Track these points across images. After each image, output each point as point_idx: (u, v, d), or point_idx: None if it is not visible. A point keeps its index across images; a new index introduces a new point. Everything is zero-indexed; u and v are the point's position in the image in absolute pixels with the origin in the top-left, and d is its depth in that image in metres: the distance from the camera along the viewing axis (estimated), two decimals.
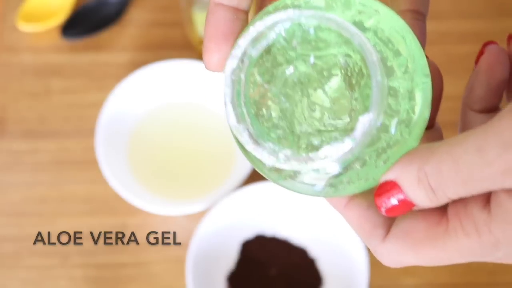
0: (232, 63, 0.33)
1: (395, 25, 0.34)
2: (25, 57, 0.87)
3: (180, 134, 0.81)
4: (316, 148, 0.34)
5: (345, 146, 0.32)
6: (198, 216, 0.76)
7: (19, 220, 0.79)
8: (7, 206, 0.80)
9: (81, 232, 0.79)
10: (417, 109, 0.33)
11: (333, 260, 0.75)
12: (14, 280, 0.77)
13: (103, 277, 0.77)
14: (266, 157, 0.33)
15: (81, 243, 0.78)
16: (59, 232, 0.79)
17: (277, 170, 0.35)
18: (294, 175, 0.34)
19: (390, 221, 0.35)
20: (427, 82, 0.34)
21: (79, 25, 0.88)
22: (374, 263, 0.74)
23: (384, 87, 0.32)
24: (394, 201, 0.32)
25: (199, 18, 0.82)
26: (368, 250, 0.73)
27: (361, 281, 0.71)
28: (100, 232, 0.79)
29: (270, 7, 0.35)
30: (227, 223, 0.75)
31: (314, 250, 0.76)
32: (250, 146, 0.33)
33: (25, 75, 0.86)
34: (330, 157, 0.32)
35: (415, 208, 0.32)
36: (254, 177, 0.76)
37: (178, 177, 0.79)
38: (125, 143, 0.80)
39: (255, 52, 0.34)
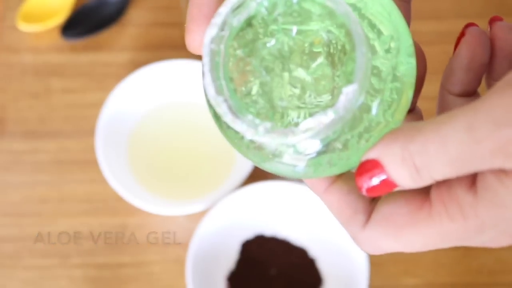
0: (211, 31, 0.32)
1: (380, 2, 0.33)
2: (25, 57, 0.87)
3: (180, 134, 0.81)
4: (296, 124, 0.33)
5: (327, 117, 0.30)
6: (198, 216, 0.76)
7: (19, 220, 0.79)
8: (7, 206, 0.80)
9: (81, 232, 0.79)
10: (400, 90, 0.33)
11: (333, 260, 0.75)
12: (14, 280, 0.77)
13: (103, 277, 0.77)
14: (245, 129, 0.31)
15: (81, 243, 0.78)
16: (59, 232, 0.79)
17: (258, 148, 0.33)
18: (274, 156, 0.33)
19: (371, 207, 0.33)
20: (412, 62, 0.33)
21: (79, 25, 0.88)
22: (374, 263, 0.74)
23: (368, 59, 0.31)
24: (375, 180, 0.31)
25: None
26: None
27: (361, 281, 0.71)
28: (100, 232, 0.79)
29: None
30: (227, 223, 0.75)
31: (314, 250, 0.76)
32: (228, 118, 0.31)
33: (25, 75, 0.86)
34: (312, 130, 0.30)
35: (397, 188, 0.31)
36: (254, 177, 0.76)
37: (178, 177, 0.79)
38: (125, 143, 0.80)
39: (236, 22, 0.32)
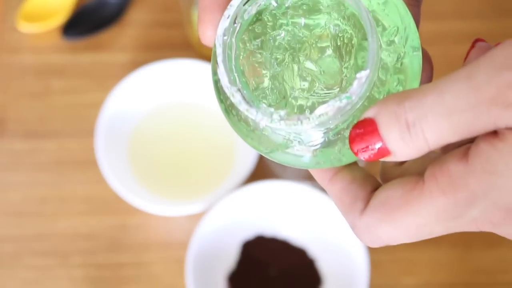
0: (224, 23, 0.32)
1: None
2: (26, 57, 0.87)
3: (180, 134, 0.81)
4: (310, 111, 0.33)
5: (341, 102, 0.30)
6: (198, 216, 0.76)
7: (19, 220, 0.79)
8: (7, 206, 0.80)
9: (81, 232, 0.79)
10: (405, 81, 0.33)
11: (333, 260, 0.75)
12: (14, 280, 0.77)
13: (103, 277, 0.77)
14: (260, 117, 0.31)
15: (81, 243, 0.78)
16: (59, 232, 0.79)
17: (267, 140, 0.34)
18: (282, 146, 0.34)
19: (371, 195, 0.33)
20: (418, 55, 0.33)
21: (80, 25, 0.88)
22: (374, 263, 0.74)
23: (379, 46, 0.31)
24: (369, 142, 0.29)
25: None
26: (369, 249, 0.73)
27: (361, 281, 0.71)
28: (100, 232, 0.79)
29: None
30: (227, 223, 0.75)
31: (314, 250, 0.76)
32: (243, 106, 0.31)
33: (25, 75, 0.86)
34: (326, 115, 0.30)
35: (391, 157, 0.30)
36: (254, 177, 0.76)
37: (178, 177, 0.79)
38: (125, 143, 0.80)
39: (247, 15, 0.33)
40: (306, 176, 0.78)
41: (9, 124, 0.84)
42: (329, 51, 0.34)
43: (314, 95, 0.34)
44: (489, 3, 0.89)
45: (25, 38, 0.88)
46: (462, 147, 0.30)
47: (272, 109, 0.31)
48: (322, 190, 0.75)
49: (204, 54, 0.85)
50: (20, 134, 0.83)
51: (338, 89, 0.33)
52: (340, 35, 0.34)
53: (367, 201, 0.32)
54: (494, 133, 0.28)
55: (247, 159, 0.76)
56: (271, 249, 0.76)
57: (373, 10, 0.33)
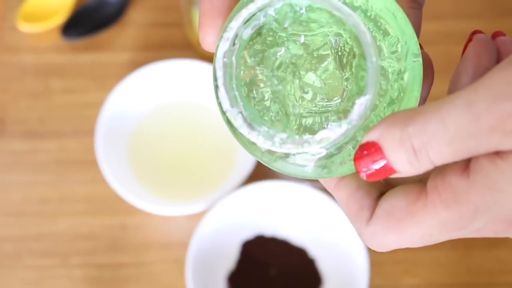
0: (224, 45, 0.33)
1: (385, 3, 0.33)
2: (25, 57, 0.87)
3: (180, 134, 0.81)
4: (310, 129, 0.34)
5: (342, 128, 0.31)
6: (198, 216, 0.76)
7: (19, 220, 0.79)
8: (7, 206, 0.80)
9: (81, 232, 0.79)
10: (407, 89, 0.33)
11: (333, 260, 0.75)
12: (14, 280, 0.77)
13: (103, 277, 0.77)
14: (261, 141, 0.32)
15: (81, 243, 0.78)
16: (59, 232, 0.79)
17: (270, 152, 0.34)
18: (285, 156, 0.34)
19: (376, 203, 0.33)
20: (418, 61, 0.33)
21: (79, 25, 0.88)
22: (374, 263, 0.74)
23: (378, 68, 0.32)
24: (374, 164, 0.30)
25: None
26: (369, 250, 0.73)
27: (361, 281, 0.71)
28: (100, 232, 0.79)
29: None
30: (227, 223, 0.75)
31: (314, 250, 0.76)
32: (244, 130, 0.32)
33: (25, 75, 0.86)
34: (327, 140, 0.31)
35: (396, 175, 0.31)
36: (254, 176, 0.76)
37: (178, 177, 0.79)
38: (125, 143, 0.80)
39: (246, 34, 0.33)
40: None
41: (9, 124, 0.84)
42: (330, 63, 0.34)
43: (315, 107, 0.34)
44: (489, 3, 0.89)
45: (25, 38, 0.88)
46: (463, 161, 0.30)
47: (272, 131, 0.32)
48: (322, 190, 0.75)
49: (204, 54, 0.85)
50: (20, 134, 0.83)
51: (340, 99, 0.34)
52: (340, 45, 0.34)
53: (373, 209, 0.33)
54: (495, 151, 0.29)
55: (247, 159, 0.76)
56: (271, 249, 0.76)
57: (377, 15, 0.34)
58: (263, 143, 0.32)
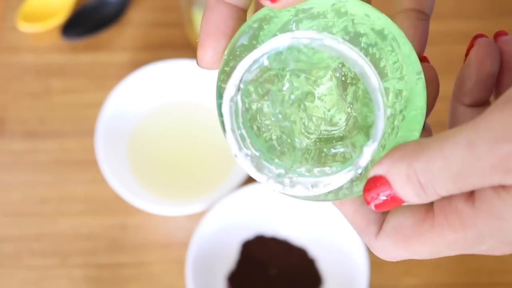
0: (230, 91, 0.33)
1: (385, 26, 0.34)
2: (25, 57, 0.87)
3: (180, 134, 0.81)
4: (318, 161, 0.35)
5: (348, 175, 0.32)
6: (198, 216, 0.76)
7: (19, 220, 0.79)
8: (7, 206, 0.80)
9: (81, 232, 0.79)
10: (411, 106, 0.34)
11: (333, 260, 0.75)
12: (14, 280, 0.77)
13: (103, 277, 0.77)
14: (272, 184, 0.33)
15: (81, 243, 0.78)
16: (59, 232, 0.79)
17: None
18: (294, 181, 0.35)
19: (383, 217, 0.35)
20: (421, 78, 0.34)
21: (79, 25, 0.88)
22: (374, 263, 0.74)
23: (386, 115, 0.32)
24: (383, 196, 0.32)
25: (199, 18, 0.82)
26: (368, 249, 0.73)
27: (361, 281, 0.71)
28: (100, 232, 0.79)
29: (269, 11, 0.34)
30: (227, 223, 0.75)
31: (314, 250, 0.76)
32: (254, 174, 0.33)
33: (25, 75, 0.86)
34: (335, 184, 0.33)
35: (404, 204, 0.32)
36: None
37: (178, 177, 0.79)
38: (125, 143, 0.80)
39: (250, 76, 0.33)
40: None
41: (9, 124, 0.84)
42: (333, 90, 0.35)
43: (320, 135, 0.35)
44: (489, 3, 0.89)
45: (25, 38, 0.88)
46: None
47: (282, 171, 0.33)
48: None
49: None
50: (20, 134, 0.83)
51: (345, 124, 0.35)
52: (343, 72, 0.35)
53: (380, 223, 0.34)
54: None
55: None
56: (271, 249, 0.76)
57: (380, 37, 0.34)
58: (273, 187, 0.33)
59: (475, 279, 0.76)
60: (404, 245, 0.33)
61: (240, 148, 0.33)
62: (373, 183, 0.32)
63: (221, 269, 0.75)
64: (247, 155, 0.33)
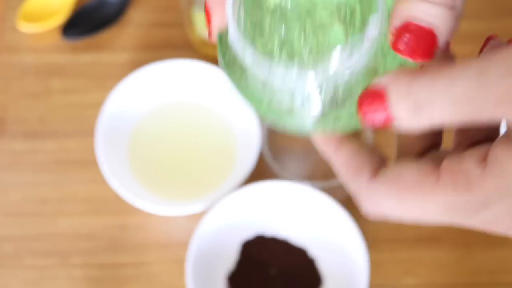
0: None
1: None
2: (26, 57, 0.87)
3: (180, 134, 0.81)
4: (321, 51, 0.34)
5: (363, 48, 0.32)
6: (198, 216, 0.76)
7: (19, 220, 0.79)
8: (7, 206, 0.80)
9: (81, 232, 0.79)
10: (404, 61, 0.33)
11: (333, 260, 0.75)
12: (14, 280, 0.77)
13: (103, 277, 0.77)
14: (281, 69, 0.32)
15: (81, 243, 0.78)
16: (59, 232, 0.79)
17: (271, 104, 0.34)
18: (286, 111, 0.34)
19: (378, 164, 0.34)
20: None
21: (79, 25, 0.88)
22: (374, 263, 0.74)
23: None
24: (376, 106, 0.31)
25: (199, 18, 0.82)
26: (368, 250, 0.73)
27: (361, 281, 0.71)
28: (100, 232, 0.79)
29: None
30: (227, 223, 0.75)
31: (314, 250, 0.76)
32: (256, 58, 0.33)
33: (25, 75, 0.86)
34: (344, 55, 0.32)
35: (393, 125, 0.31)
36: (254, 176, 0.76)
37: (178, 177, 0.79)
38: (125, 143, 0.80)
39: None
40: (306, 176, 0.78)
41: (9, 124, 0.84)
42: (334, 19, 0.35)
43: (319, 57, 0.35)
44: (489, 3, 0.89)
45: (25, 38, 0.88)
46: (481, 149, 0.31)
47: (284, 56, 0.32)
48: (322, 190, 0.75)
49: (204, 54, 0.85)
50: (20, 134, 0.83)
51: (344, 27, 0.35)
52: (346, 5, 0.34)
53: (375, 169, 0.33)
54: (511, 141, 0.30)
55: (247, 159, 0.76)
56: (271, 249, 0.76)
57: None
58: (277, 69, 0.32)
59: (475, 279, 0.76)
60: (398, 195, 0.32)
61: (242, 36, 0.33)
62: (370, 92, 0.31)
63: (221, 269, 0.75)
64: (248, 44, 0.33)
